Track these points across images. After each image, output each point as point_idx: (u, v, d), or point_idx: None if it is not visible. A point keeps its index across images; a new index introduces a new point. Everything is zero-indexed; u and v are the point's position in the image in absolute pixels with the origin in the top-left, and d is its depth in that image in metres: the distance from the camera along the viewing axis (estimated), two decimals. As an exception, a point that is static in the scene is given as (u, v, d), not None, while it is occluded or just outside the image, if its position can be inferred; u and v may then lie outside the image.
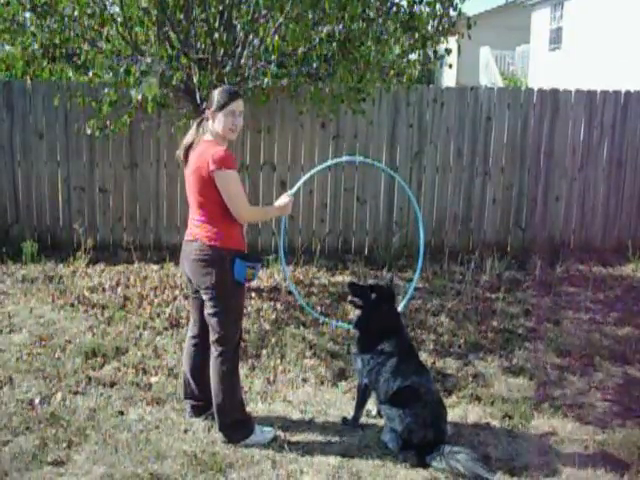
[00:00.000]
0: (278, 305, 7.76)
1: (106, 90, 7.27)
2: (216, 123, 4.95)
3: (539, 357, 6.72)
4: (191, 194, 5.00)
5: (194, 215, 5.01)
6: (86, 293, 7.99)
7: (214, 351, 5.04)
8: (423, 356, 6.64)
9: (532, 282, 8.81)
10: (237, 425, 5.09)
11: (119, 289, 8.16)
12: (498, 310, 7.80)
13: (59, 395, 5.63)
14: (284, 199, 5.29)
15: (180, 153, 5.09)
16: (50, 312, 7.50)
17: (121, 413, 5.41)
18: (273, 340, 6.85)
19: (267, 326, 7.20)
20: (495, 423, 5.46)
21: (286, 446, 5.01)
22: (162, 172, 9.77)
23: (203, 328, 5.23)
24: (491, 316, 7.68)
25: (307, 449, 5.00)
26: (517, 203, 10.08)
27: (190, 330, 5.40)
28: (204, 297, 4.98)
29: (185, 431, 5.18)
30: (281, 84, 7.85)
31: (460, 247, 9.86)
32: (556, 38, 21.92)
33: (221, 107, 4.93)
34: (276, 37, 6.40)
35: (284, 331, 7.07)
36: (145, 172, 9.77)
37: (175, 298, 7.89)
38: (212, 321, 4.98)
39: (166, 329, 7.10)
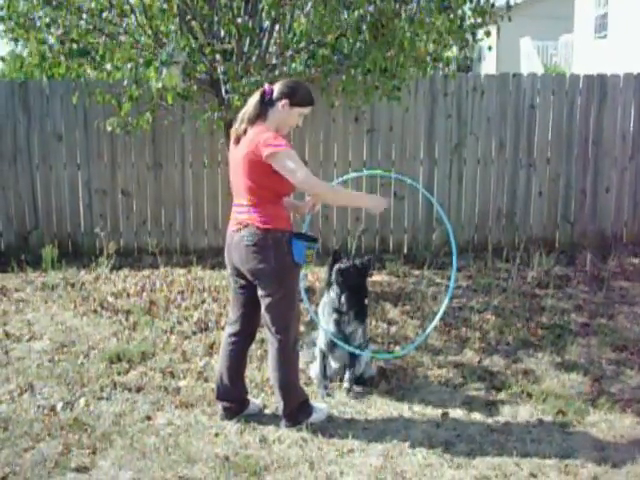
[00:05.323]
0: (313, 307, 7.68)
1: (125, 82, 7.26)
2: (285, 114, 4.96)
3: (593, 352, 6.58)
4: (239, 178, 4.95)
5: (241, 201, 4.97)
6: (110, 299, 7.97)
7: (275, 342, 5.06)
8: (469, 354, 6.56)
9: (583, 277, 8.67)
10: (301, 407, 5.21)
11: (144, 294, 8.13)
12: (548, 306, 7.66)
13: (82, 401, 5.59)
14: (308, 200, 5.40)
15: (240, 127, 4.98)
16: (72, 319, 7.49)
17: (148, 418, 5.35)
18: (307, 340, 6.78)
19: (301, 327, 7.11)
20: (548, 419, 5.34)
21: (324, 447, 4.93)
22: (187, 173, 9.77)
23: (244, 325, 5.26)
24: (540, 312, 7.55)
25: (347, 450, 4.91)
26: (565, 195, 9.91)
27: (230, 327, 5.35)
28: (260, 285, 4.95)
29: (216, 434, 5.11)
30: (310, 75, 7.77)
31: (505, 243, 9.72)
32: (601, 25, 21.62)
33: (301, 105, 4.99)
34: (303, 20, 6.34)
35: (318, 332, 6.98)
36: (170, 173, 9.77)
37: (203, 301, 7.85)
38: (271, 310, 4.98)
39: (194, 333, 7.05)
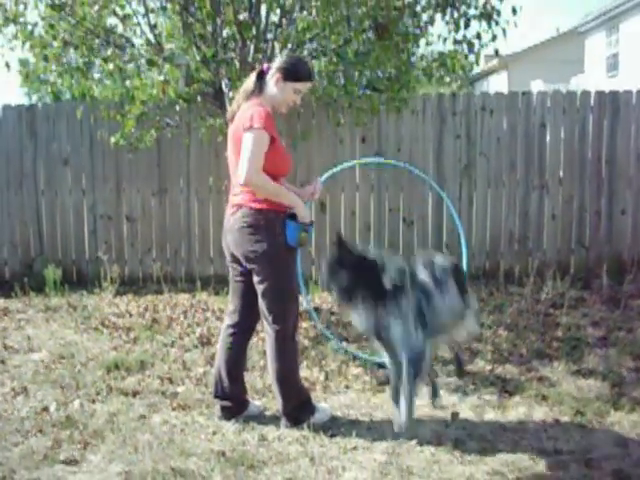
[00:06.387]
0: (318, 324, 7.45)
1: (127, 83, 7.15)
2: (278, 90, 4.78)
3: (612, 361, 6.29)
4: (234, 157, 4.77)
5: (235, 181, 4.78)
6: (111, 318, 7.79)
7: (272, 333, 4.81)
8: (480, 364, 6.31)
9: (599, 298, 8.36)
10: (302, 406, 4.96)
11: (147, 314, 7.94)
12: (563, 322, 7.40)
13: (76, 402, 5.39)
14: (308, 188, 5.23)
15: (234, 105, 4.87)
16: (72, 335, 7.33)
17: (143, 417, 5.13)
18: (313, 353, 6.55)
19: (306, 342, 6.89)
20: (565, 419, 5.06)
21: (327, 444, 4.68)
22: (193, 198, 9.60)
23: (243, 316, 5.03)
24: (555, 328, 7.28)
25: (350, 447, 4.66)
26: (578, 218, 9.59)
27: (229, 318, 5.11)
28: (254, 269, 4.74)
29: (213, 433, 4.87)
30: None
31: (517, 268, 9.43)
32: (613, 65, 21.62)
33: (295, 79, 4.78)
34: (305, 13, 6.23)
35: (325, 346, 6.75)
36: (175, 198, 9.60)
37: (206, 320, 7.65)
38: (266, 297, 4.76)
39: (196, 346, 6.84)
